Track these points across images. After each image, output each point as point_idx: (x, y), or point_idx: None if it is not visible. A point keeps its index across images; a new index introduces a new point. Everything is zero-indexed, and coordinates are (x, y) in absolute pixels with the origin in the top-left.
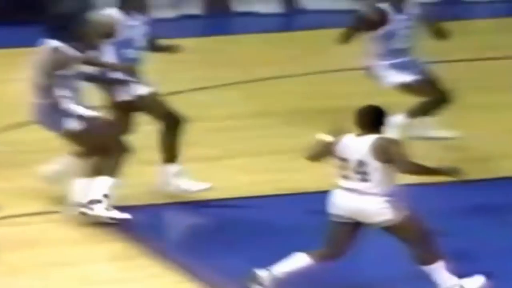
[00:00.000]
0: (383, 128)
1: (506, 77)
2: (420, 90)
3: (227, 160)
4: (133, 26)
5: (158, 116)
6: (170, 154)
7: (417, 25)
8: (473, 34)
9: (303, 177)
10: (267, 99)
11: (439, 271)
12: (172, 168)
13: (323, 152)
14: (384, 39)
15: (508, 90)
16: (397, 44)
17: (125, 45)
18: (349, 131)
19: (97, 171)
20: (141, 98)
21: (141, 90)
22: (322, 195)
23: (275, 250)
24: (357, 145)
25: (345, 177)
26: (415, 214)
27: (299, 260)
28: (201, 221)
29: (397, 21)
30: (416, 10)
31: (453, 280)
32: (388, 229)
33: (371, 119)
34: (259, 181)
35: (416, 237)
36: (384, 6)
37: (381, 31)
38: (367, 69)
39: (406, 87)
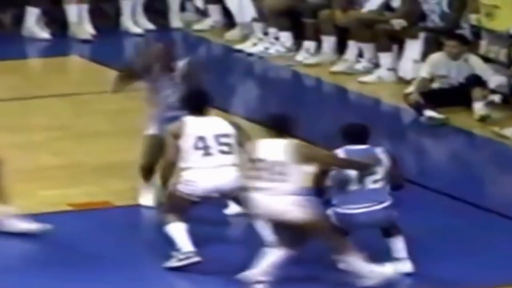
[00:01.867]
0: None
1: None
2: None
3: None
4: None
5: None
6: None
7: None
8: None
9: None
10: None
11: (354, 260)
12: None
13: None
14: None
15: None
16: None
17: None
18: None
19: None
20: None
21: None
22: None
23: None
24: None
25: (259, 178)
26: (320, 212)
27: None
28: None
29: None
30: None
31: (369, 267)
32: (299, 227)
33: (282, 125)
34: None
35: (325, 233)
36: None
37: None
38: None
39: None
